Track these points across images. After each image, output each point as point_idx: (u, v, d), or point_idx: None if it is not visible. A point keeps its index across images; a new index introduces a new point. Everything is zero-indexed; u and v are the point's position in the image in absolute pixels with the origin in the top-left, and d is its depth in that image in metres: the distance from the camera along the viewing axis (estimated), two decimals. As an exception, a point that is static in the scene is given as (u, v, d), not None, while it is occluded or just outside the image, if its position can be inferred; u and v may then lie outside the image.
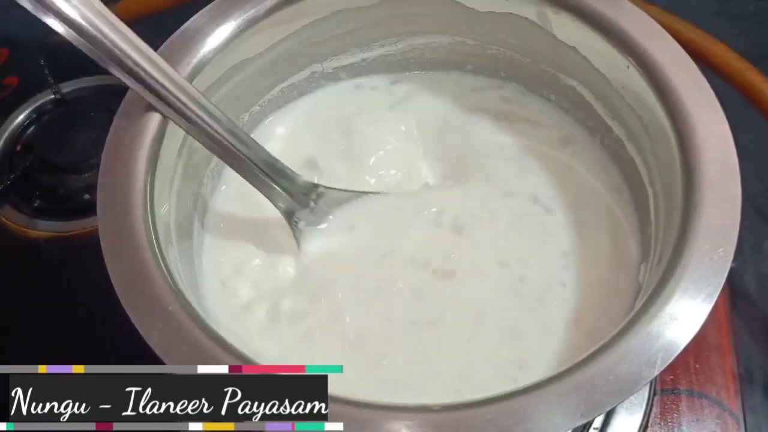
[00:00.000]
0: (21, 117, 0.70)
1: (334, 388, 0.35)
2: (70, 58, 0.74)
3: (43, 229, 0.63)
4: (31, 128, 0.69)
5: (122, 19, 0.82)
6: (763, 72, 0.75)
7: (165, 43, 0.46)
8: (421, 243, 0.49)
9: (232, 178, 0.51)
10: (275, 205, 0.47)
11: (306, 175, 0.49)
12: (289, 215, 0.48)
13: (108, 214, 0.40)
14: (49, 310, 0.60)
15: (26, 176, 0.65)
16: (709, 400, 0.57)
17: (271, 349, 0.45)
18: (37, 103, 0.70)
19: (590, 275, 0.47)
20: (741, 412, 0.57)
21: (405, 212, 0.50)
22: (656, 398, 0.56)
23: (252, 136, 0.53)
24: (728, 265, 0.38)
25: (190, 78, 0.45)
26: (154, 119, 0.43)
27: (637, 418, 0.54)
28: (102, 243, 0.39)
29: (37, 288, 0.61)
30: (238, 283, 0.48)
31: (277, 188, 0.46)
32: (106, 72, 0.70)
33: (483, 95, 0.56)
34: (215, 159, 0.51)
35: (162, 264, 0.38)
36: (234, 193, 0.52)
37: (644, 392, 0.55)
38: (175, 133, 0.44)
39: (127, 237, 0.39)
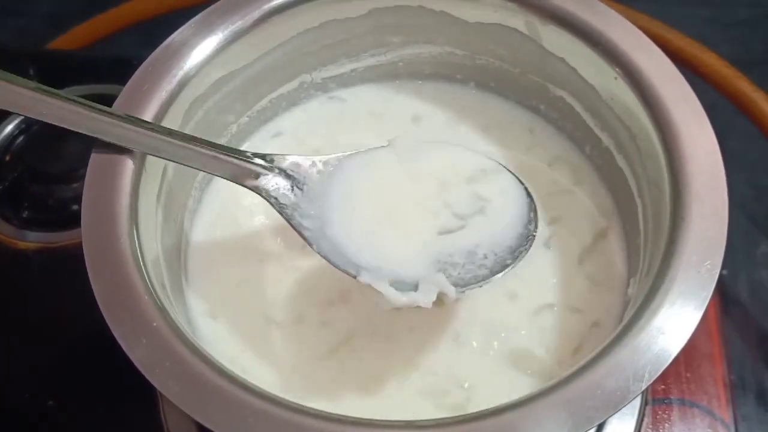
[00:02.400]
0: (10, 127, 0.69)
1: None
2: (59, 67, 0.75)
3: (32, 240, 0.63)
4: (20, 138, 0.69)
5: (112, 28, 0.83)
6: (754, 79, 0.75)
7: (150, 57, 0.46)
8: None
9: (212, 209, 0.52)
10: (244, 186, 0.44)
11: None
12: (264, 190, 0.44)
13: (92, 229, 0.40)
14: (38, 321, 0.59)
15: (15, 187, 0.65)
16: (700, 409, 0.57)
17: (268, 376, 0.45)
18: (27, 113, 0.70)
19: (576, 287, 0.47)
20: (732, 422, 0.57)
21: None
22: (648, 408, 0.56)
23: (242, 146, 0.54)
24: (715, 277, 0.38)
25: (177, 91, 0.45)
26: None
27: (629, 428, 0.54)
28: (86, 258, 0.39)
29: (26, 300, 0.61)
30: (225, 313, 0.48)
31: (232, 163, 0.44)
32: (96, 81, 0.71)
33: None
34: (201, 173, 0.51)
35: (147, 279, 0.38)
36: (213, 222, 0.52)
37: (636, 402, 0.55)
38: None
39: (111, 252, 0.39)
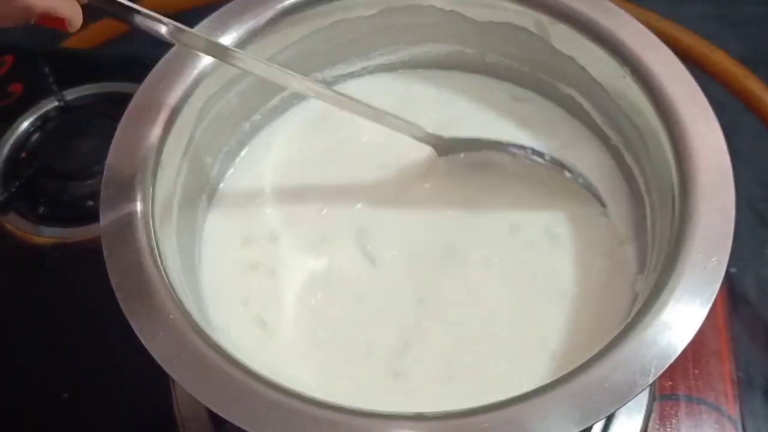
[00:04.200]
0: (25, 124, 0.70)
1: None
2: (74, 66, 0.76)
3: (48, 235, 0.64)
4: (36, 135, 0.70)
5: (125, 27, 0.83)
6: (762, 77, 0.75)
7: (165, 56, 0.47)
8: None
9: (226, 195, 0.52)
10: None
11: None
12: None
13: (110, 223, 0.40)
14: (53, 316, 0.60)
15: (31, 183, 0.66)
16: (707, 405, 0.57)
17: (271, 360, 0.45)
18: (42, 111, 0.71)
19: (586, 283, 0.47)
20: (739, 418, 0.57)
21: None
22: (655, 404, 0.56)
23: (252, 144, 0.54)
24: (722, 274, 0.38)
25: (191, 89, 0.46)
26: (157, 126, 0.44)
27: (636, 423, 0.54)
28: (104, 252, 0.39)
29: (41, 294, 0.62)
30: (239, 289, 0.48)
31: None
32: (109, 79, 0.71)
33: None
34: (215, 169, 0.52)
35: (164, 273, 0.39)
36: (230, 207, 0.52)
37: (643, 398, 0.55)
38: (180, 135, 0.45)
39: (130, 245, 0.39)
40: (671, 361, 0.36)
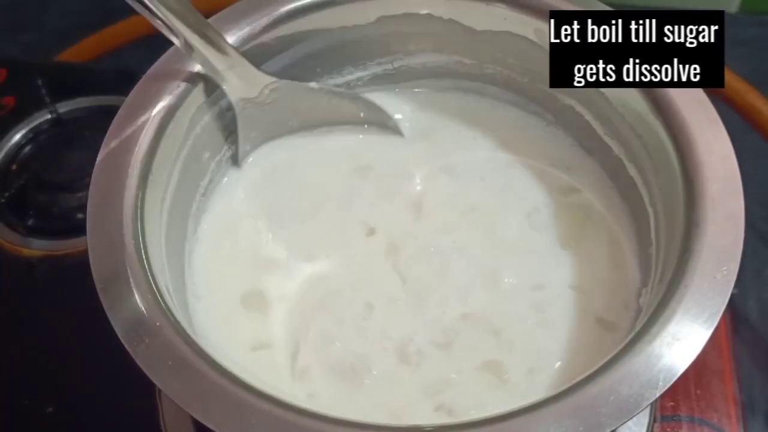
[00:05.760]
0: (17, 136, 0.70)
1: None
2: (67, 79, 0.76)
3: (37, 247, 0.63)
4: (27, 147, 0.70)
5: (119, 42, 0.83)
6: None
7: (157, 61, 0.46)
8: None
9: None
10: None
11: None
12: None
13: (96, 228, 0.39)
14: (40, 329, 0.60)
15: (21, 195, 0.66)
16: (710, 426, 0.56)
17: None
18: (34, 123, 0.71)
19: (589, 297, 0.46)
20: (743, 439, 0.56)
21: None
22: (656, 425, 0.55)
23: (250, 155, 0.53)
24: (732, 283, 0.37)
25: (184, 95, 0.45)
26: (148, 134, 0.43)
27: (638, 445, 0.53)
28: (90, 257, 0.38)
29: (29, 307, 0.61)
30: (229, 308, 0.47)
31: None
32: (102, 92, 0.71)
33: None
34: (206, 178, 0.51)
35: (150, 279, 0.38)
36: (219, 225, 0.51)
37: (644, 419, 0.54)
38: (169, 148, 0.44)
39: (115, 251, 0.38)
40: (680, 374, 0.35)
